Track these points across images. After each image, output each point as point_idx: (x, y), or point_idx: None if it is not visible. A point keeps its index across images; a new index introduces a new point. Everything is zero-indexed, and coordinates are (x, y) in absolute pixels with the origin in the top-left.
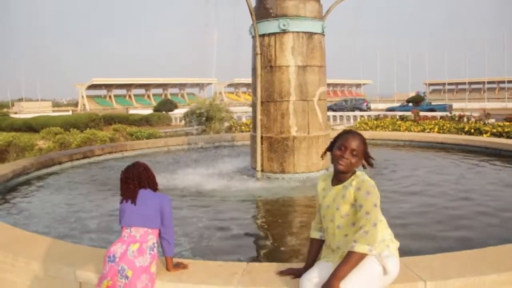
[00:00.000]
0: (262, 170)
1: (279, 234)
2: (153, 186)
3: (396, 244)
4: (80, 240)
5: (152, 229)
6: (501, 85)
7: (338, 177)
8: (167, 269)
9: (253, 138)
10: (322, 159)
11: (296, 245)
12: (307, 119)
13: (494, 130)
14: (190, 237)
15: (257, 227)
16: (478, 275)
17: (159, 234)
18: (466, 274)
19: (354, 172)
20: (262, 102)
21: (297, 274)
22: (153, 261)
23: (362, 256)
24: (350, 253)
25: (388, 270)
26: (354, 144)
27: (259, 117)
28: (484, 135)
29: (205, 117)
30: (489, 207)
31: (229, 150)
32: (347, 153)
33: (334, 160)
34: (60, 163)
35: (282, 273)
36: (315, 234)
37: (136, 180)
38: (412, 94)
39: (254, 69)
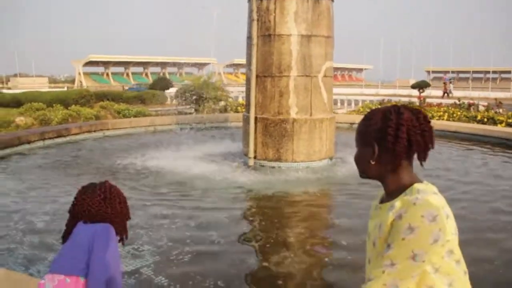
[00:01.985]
0: (255, 157)
1: (272, 245)
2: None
3: None
4: (18, 245)
5: (70, 277)
6: (503, 76)
7: (385, 190)
8: None
9: (246, 120)
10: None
11: (295, 265)
12: (310, 98)
13: (510, 120)
14: (157, 246)
15: (244, 234)
16: None
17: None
18: None
19: (412, 184)
20: (257, 77)
21: None
22: None
23: None
24: None
25: None
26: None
27: (253, 94)
28: (499, 125)
29: (197, 96)
30: None
31: (220, 131)
32: (357, 154)
33: None
34: (28, 142)
35: None
36: None
37: (87, 216)
38: (413, 81)
39: (249, 38)
